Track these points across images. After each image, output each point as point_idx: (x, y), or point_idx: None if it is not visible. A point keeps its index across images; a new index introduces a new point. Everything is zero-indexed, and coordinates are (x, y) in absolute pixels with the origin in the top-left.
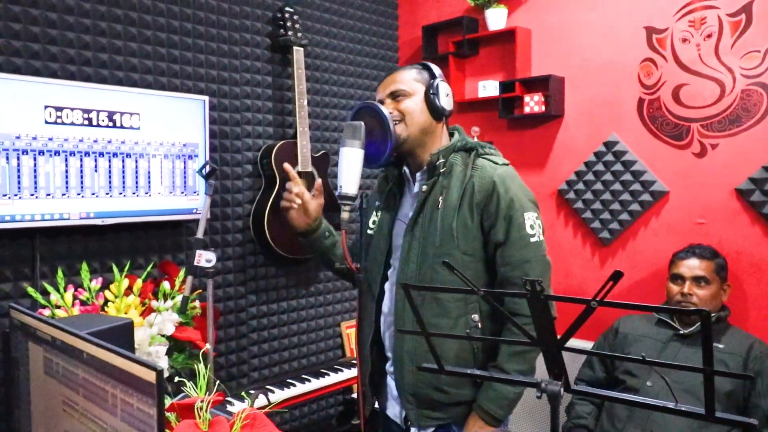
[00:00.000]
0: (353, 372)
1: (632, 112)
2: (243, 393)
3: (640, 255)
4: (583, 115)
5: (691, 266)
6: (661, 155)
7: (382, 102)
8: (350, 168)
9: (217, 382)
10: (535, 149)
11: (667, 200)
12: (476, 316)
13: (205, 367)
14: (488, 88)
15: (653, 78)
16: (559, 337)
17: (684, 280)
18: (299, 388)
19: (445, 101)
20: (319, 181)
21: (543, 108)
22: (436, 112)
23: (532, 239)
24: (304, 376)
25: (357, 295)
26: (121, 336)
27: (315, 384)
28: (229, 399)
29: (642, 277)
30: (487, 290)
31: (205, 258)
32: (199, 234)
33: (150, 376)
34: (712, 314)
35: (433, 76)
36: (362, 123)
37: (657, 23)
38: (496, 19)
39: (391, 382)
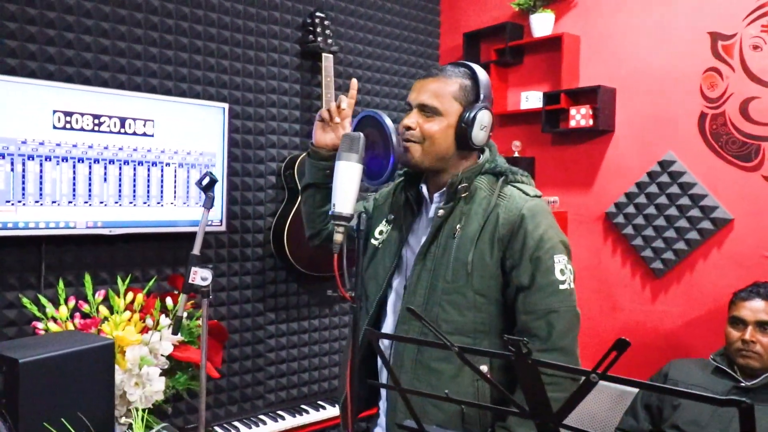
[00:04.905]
0: None
1: (692, 128)
2: None
3: (698, 290)
4: (636, 131)
5: (755, 309)
6: (725, 177)
7: (410, 105)
8: (346, 184)
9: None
10: (581, 167)
11: (731, 229)
12: (485, 367)
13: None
14: (531, 99)
15: (718, 90)
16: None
17: (746, 325)
18: (312, 416)
19: (478, 135)
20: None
21: (591, 122)
22: (463, 144)
23: (562, 286)
24: (320, 402)
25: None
26: (100, 357)
27: (330, 412)
28: (235, 424)
29: (698, 315)
30: (462, 347)
31: (201, 276)
32: (195, 250)
33: None
34: None
35: (477, 97)
36: (361, 134)
37: (723, 28)
38: (541, 25)
39: (382, 419)
